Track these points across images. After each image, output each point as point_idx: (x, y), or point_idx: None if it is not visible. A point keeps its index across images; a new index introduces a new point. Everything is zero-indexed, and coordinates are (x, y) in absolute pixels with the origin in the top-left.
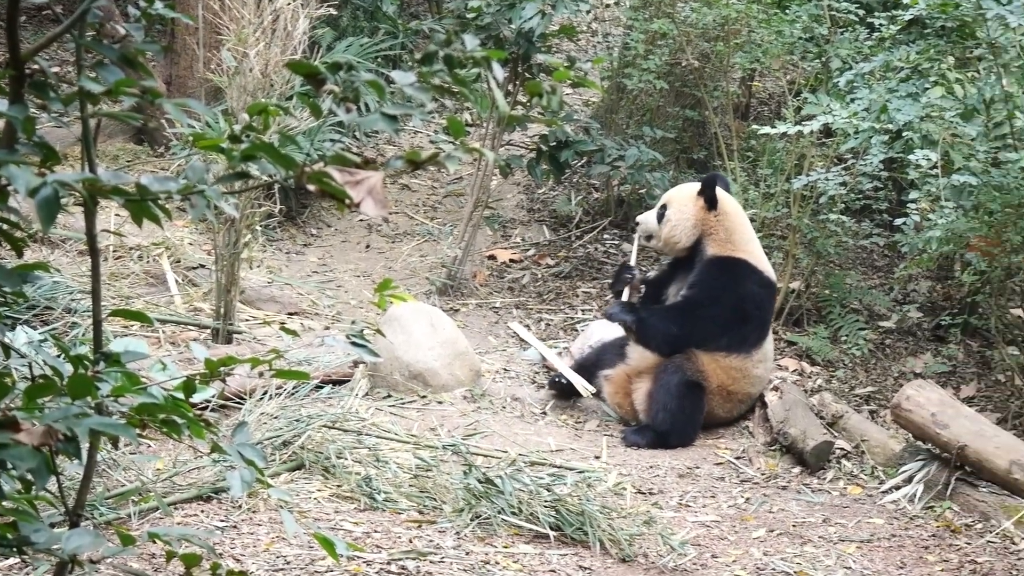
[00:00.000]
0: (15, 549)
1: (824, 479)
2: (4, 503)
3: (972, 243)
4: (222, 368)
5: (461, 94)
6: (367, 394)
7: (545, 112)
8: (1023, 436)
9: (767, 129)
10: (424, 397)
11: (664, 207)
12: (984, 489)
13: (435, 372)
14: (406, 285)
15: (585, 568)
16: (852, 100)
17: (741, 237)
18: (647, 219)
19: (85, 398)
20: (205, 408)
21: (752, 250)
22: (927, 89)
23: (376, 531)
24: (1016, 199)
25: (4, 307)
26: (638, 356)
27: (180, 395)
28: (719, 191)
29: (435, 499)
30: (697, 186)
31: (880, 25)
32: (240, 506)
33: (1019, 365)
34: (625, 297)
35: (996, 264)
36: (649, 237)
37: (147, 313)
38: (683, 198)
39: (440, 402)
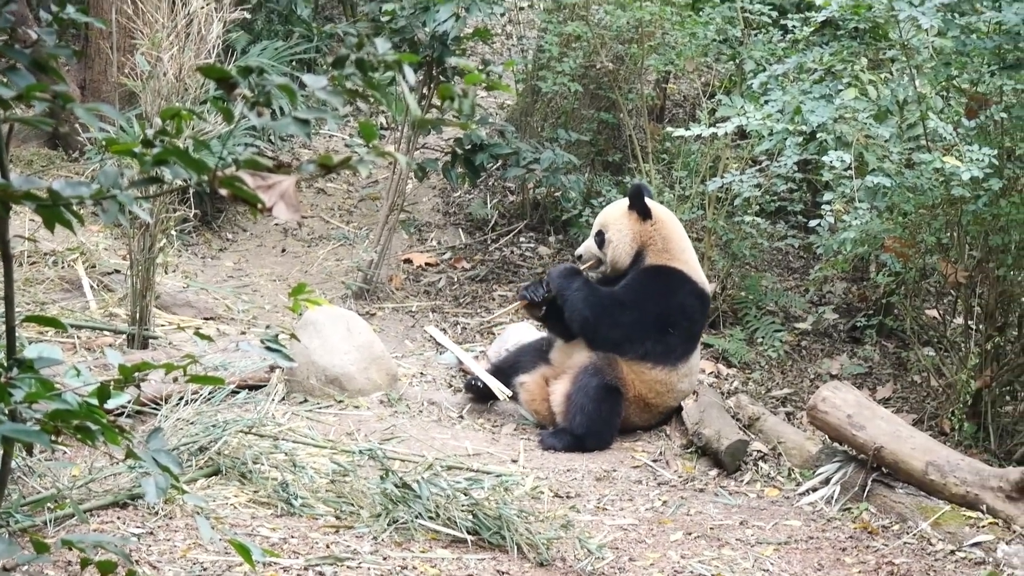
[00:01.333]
0: None
1: (741, 481)
2: None
3: (887, 244)
4: (137, 374)
5: (374, 98)
6: (283, 399)
7: (459, 115)
8: (939, 437)
9: (682, 131)
10: (340, 402)
11: (600, 232)
12: (901, 490)
13: (351, 376)
14: (322, 289)
15: (503, 572)
16: (766, 102)
17: (677, 246)
18: (588, 247)
19: None
20: (120, 414)
21: (687, 259)
22: (840, 91)
23: (293, 537)
24: (930, 200)
25: None
26: (562, 358)
27: (94, 401)
28: (648, 200)
29: (352, 504)
30: (626, 202)
31: (793, 27)
32: (156, 512)
33: (934, 366)
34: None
35: (911, 265)
36: (597, 264)
37: (61, 319)
38: (617, 216)
39: (357, 407)
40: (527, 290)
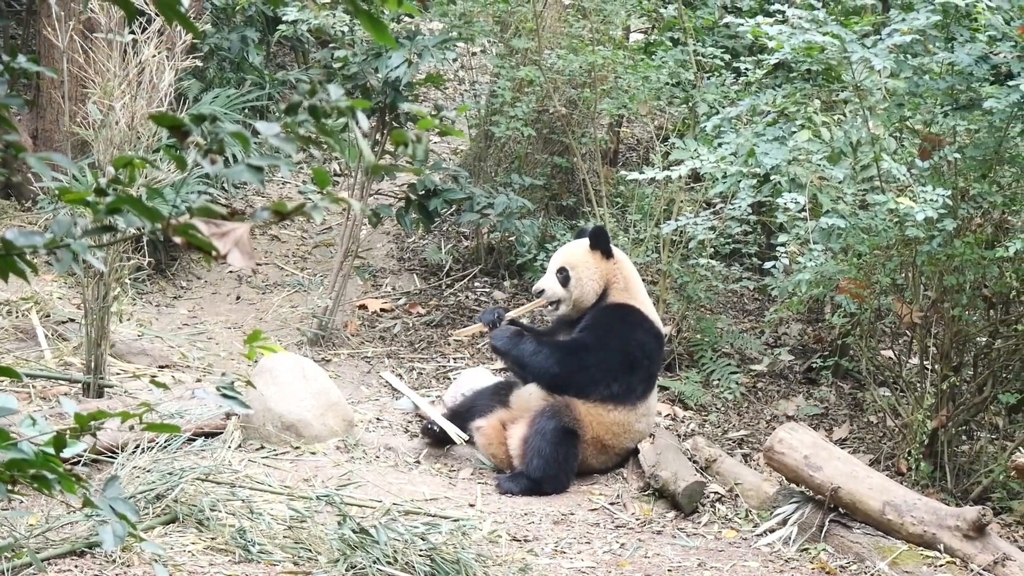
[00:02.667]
0: None
1: (699, 523)
2: None
3: (842, 285)
4: (93, 422)
5: (328, 144)
6: (240, 446)
7: (412, 161)
8: (896, 477)
9: (635, 175)
10: (297, 448)
11: (564, 270)
12: (858, 530)
13: (308, 423)
14: (277, 336)
15: None
16: (720, 145)
17: (636, 285)
18: (551, 286)
19: None
20: (76, 463)
21: (644, 299)
22: (794, 133)
23: None
24: (884, 241)
25: None
26: (520, 402)
27: (51, 450)
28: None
29: (310, 550)
30: (585, 242)
31: (746, 70)
32: (114, 560)
33: (890, 406)
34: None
35: (866, 306)
36: (556, 304)
37: (16, 368)
38: (581, 255)
39: (313, 453)
40: (484, 316)
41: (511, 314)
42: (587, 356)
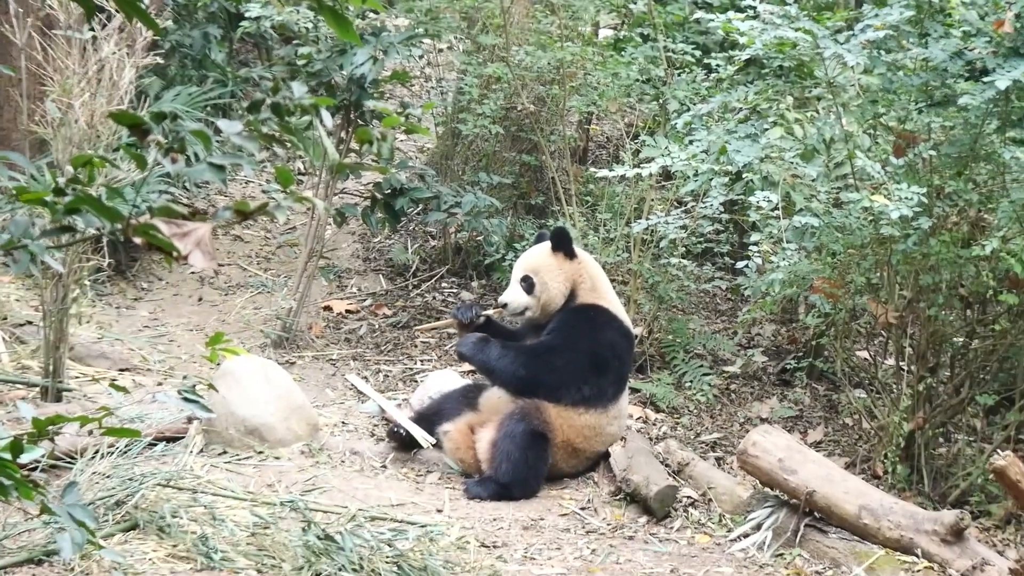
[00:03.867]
0: None
1: (671, 528)
2: None
3: (816, 285)
4: (51, 427)
5: (291, 142)
6: (202, 451)
7: (378, 159)
8: (872, 480)
9: (605, 172)
10: (261, 453)
11: (527, 278)
12: (834, 535)
13: (271, 427)
14: (240, 338)
15: None
16: (691, 142)
17: (604, 285)
18: (515, 297)
19: None
20: (34, 468)
21: (612, 299)
22: (766, 130)
23: None
24: (858, 240)
25: None
26: (489, 405)
27: (8, 455)
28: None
29: (274, 557)
30: (546, 246)
31: (717, 66)
32: (72, 569)
33: (866, 408)
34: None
35: (840, 306)
36: (523, 312)
37: None
38: (544, 259)
39: (277, 457)
40: (459, 311)
41: (488, 312)
42: (555, 358)
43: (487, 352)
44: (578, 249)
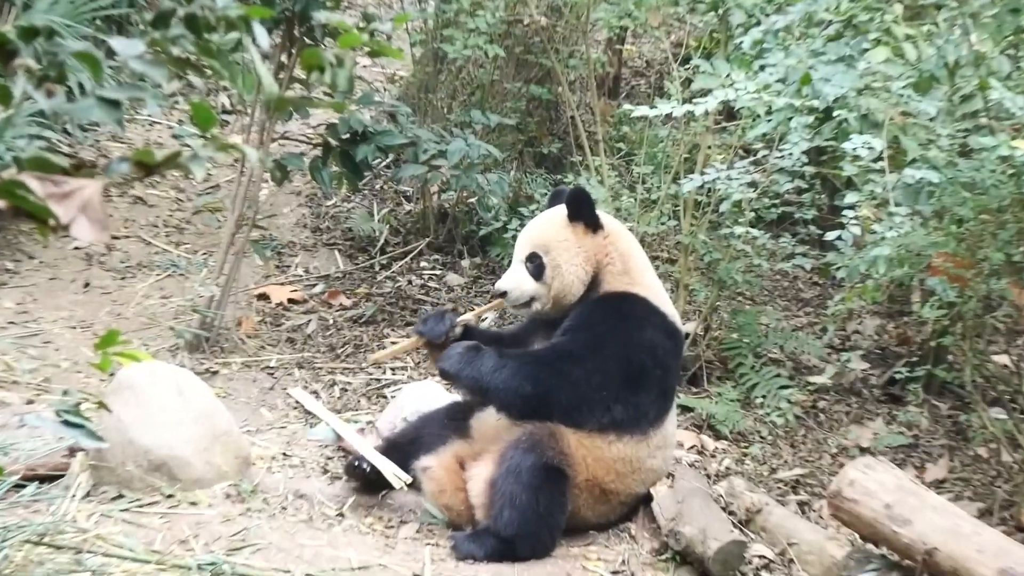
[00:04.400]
0: None
1: None
2: None
3: (935, 264)
4: None
5: (212, 69)
6: (89, 494)
7: (332, 92)
8: (1015, 533)
9: (645, 110)
10: (171, 497)
11: (534, 256)
12: None
13: (185, 461)
14: (142, 339)
15: None
16: (762, 68)
17: (638, 265)
18: (518, 283)
19: None
20: None
21: (651, 283)
22: (866, 50)
23: None
24: (994, 201)
25: None
26: (485, 430)
27: None
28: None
29: None
30: (560, 212)
31: None
32: None
33: (1006, 434)
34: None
35: (970, 293)
36: (529, 303)
37: None
38: (556, 231)
39: (194, 503)
40: (425, 327)
41: (465, 318)
42: (573, 367)
43: (479, 365)
44: (605, 216)
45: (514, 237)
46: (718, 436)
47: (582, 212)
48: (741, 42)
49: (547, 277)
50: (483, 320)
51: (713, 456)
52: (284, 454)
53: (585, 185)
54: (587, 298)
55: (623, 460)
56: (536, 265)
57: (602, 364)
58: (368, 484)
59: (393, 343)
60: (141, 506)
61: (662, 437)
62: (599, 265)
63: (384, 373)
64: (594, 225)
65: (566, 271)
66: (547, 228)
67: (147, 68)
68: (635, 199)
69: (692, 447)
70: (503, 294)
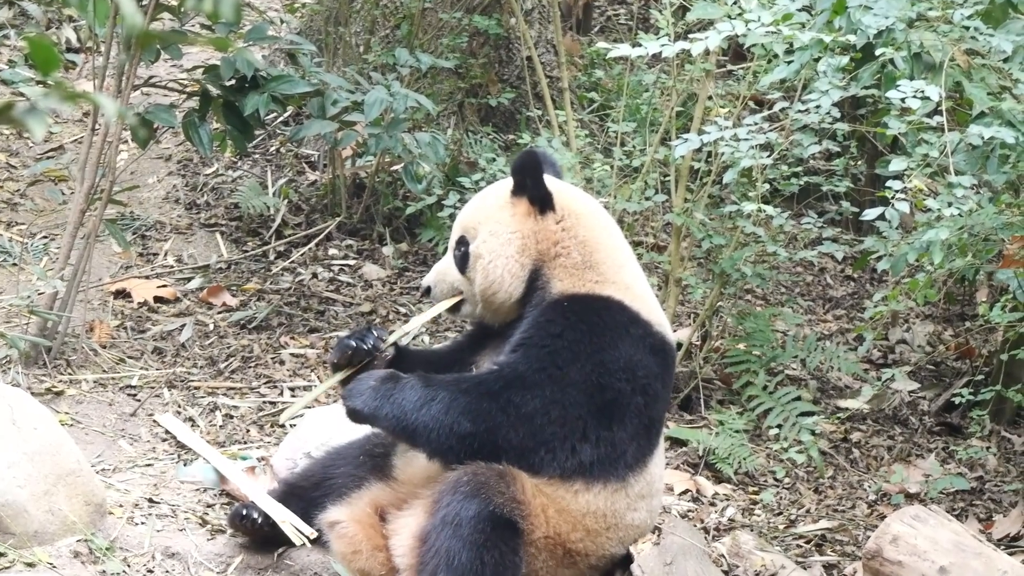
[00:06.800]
0: None
1: None
2: None
3: (1008, 251)
4: None
5: None
6: None
7: (212, 24)
8: None
9: (624, 50)
10: (1, 556)
11: (463, 241)
12: None
13: (20, 509)
14: None
15: None
16: None
17: (609, 257)
18: (444, 272)
19: None
20: None
21: (628, 281)
22: None
23: None
24: None
25: None
26: (413, 470)
27: None
28: (549, 179)
29: None
30: (508, 184)
31: None
32: None
33: None
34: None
35: None
36: (459, 305)
37: None
38: (491, 210)
39: (31, 564)
40: (343, 351)
41: (397, 335)
42: (525, 396)
43: (400, 400)
44: (572, 197)
45: (452, 216)
46: (719, 478)
47: (527, 185)
48: None
49: (471, 267)
50: (421, 334)
51: (712, 504)
52: (150, 500)
53: (547, 148)
54: (534, 300)
55: (594, 514)
56: (463, 253)
57: (563, 391)
58: (260, 540)
59: (307, 390)
60: None
61: (645, 483)
62: (543, 256)
63: (280, 394)
64: (540, 201)
65: (490, 262)
66: (481, 205)
67: None
68: (611, 167)
69: (685, 492)
70: (427, 291)
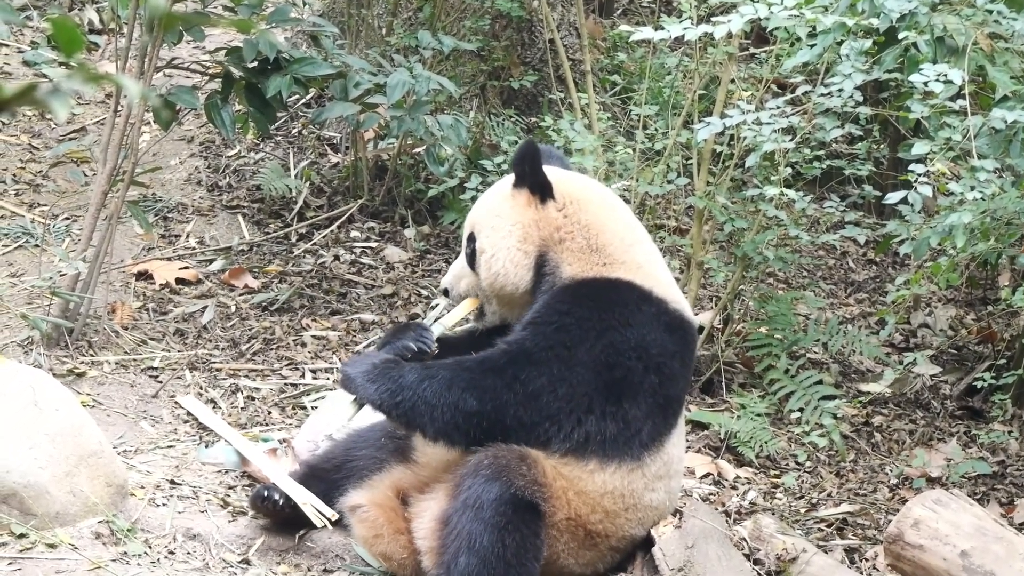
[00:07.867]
0: None
1: None
2: None
3: None
4: None
5: None
6: None
7: (236, 6)
8: None
9: (647, 33)
10: (22, 537)
11: (472, 237)
12: None
13: (42, 490)
14: None
15: None
16: None
17: (614, 240)
18: (459, 273)
19: None
20: None
21: (641, 262)
22: None
23: None
24: None
25: None
26: (433, 453)
27: None
28: (553, 169)
29: None
30: (511, 179)
31: None
32: None
33: None
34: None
35: None
36: (482, 311)
37: None
38: (493, 204)
39: (52, 545)
40: (404, 344)
41: (439, 332)
42: (531, 372)
43: (396, 376)
44: (575, 184)
45: (474, 199)
46: (740, 461)
47: (527, 176)
48: None
49: (479, 264)
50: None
51: (734, 487)
52: (171, 481)
53: (568, 130)
54: (544, 287)
55: (612, 494)
56: (472, 250)
57: (570, 370)
58: (281, 522)
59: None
60: None
61: (663, 463)
62: (548, 243)
63: (302, 376)
64: (540, 191)
65: (493, 255)
66: (486, 201)
67: None
68: (633, 150)
69: (706, 475)
70: (445, 292)
